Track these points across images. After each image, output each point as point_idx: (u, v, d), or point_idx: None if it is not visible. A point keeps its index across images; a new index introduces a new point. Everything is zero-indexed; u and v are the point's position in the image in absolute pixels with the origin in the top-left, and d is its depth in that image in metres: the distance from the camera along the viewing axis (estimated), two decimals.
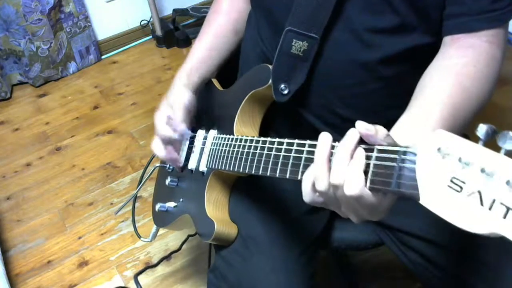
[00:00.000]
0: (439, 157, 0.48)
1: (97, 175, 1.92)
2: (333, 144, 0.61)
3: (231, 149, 0.86)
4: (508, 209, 0.42)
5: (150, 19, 2.59)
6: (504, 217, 0.42)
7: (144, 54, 2.57)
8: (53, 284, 1.57)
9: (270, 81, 0.84)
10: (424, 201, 0.49)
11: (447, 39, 0.77)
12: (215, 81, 1.03)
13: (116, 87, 2.37)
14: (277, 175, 0.72)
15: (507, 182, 0.42)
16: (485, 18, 0.73)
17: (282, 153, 0.72)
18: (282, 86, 0.84)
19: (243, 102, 0.89)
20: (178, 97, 0.98)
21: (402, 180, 0.52)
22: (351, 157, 0.58)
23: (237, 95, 0.91)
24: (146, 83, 2.37)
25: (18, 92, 2.41)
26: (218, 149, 0.90)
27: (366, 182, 0.56)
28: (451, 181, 0.46)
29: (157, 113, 0.99)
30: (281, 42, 0.82)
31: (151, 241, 1.19)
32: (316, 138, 0.65)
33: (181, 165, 1.01)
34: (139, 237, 1.20)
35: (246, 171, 0.80)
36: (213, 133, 0.96)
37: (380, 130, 0.57)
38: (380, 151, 0.56)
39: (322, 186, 0.60)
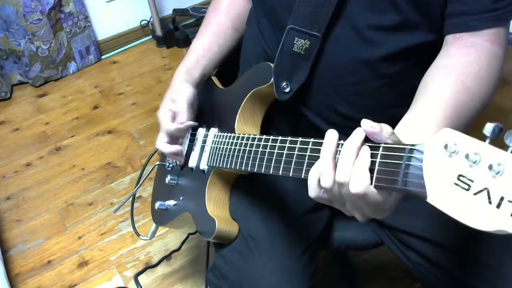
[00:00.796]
0: (446, 155, 0.48)
1: (97, 175, 1.92)
2: (339, 142, 0.61)
3: (232, 147, 0.86)
4: None
5: (150, 19, 2.59)
6: None
7: (144, 54, 2.57)
8: (53, 284, 1.57)
9: (272, 79, 0.84)
10: (431, 199, 0.49)
11: (449, 38, 0.77)
12: (215, 79, 1.03)
13: (116, 87, 2.37)
14: (280, 173, 0.72)
15: None
16: (487, 17, 0.73)
17: (285, 151, 0.72)
18: (284, 84, 0.84)
19: (244, 100, 0.89)
20: (181, 92, 0.97)
21: (409, 178, 0.52)
22: (357, 155, 0.58)
23: (239, 93, 0.91)
24: (146, 83, 2.37)
25: (18, 92, 2.41)
26: (219, 147, 0.90)
27: (372, 180, 0.56)
28: (458, 179, 0.46)
29: (160, 109, 0.99)
30: (283, 41, 0.82)
31: (150, 239, 1.19)
32: (317, 136, 0.65)
33: (183, 161, 1.01)
34: (138, 235, 1.20)
35: (248, 169, 0.80)
36: (214, 131, 0.96)
37: (385, 128, 0.57)
38: (386, 149, 0.56)
39: (327, 182, 0.60)
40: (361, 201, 0.57)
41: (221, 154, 0.89)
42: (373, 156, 0.57)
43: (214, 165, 0.91)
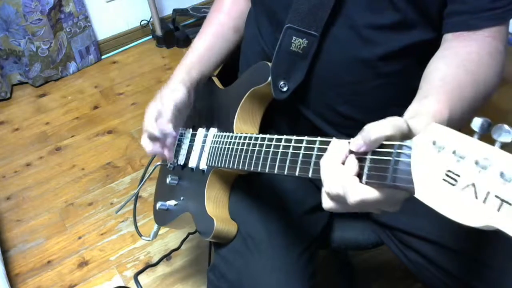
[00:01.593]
0: (434, 151, 0.48)
1: (97, 175, 1.92)
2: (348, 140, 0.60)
3: (232, 146, 0.86)
4: (502, 201, 0.42)
5: (150, 19, 2.59)
6: (498, 209, 0.42)
7: (144, 54, 2.57)
8: (53, 284, 1.57)
9: (270, 78, 0.84)
10: (419, 194, 0.49)
11: (448, 36, 0.77)
12: (215, 80, 1.04)
13: (116, 87, 2.37)
14: (275, 171, 0.72)
15: (501, 175, 0.42)
16: (487, 16, 0.73)
17: (281, 150, 0.71)
18: (282, 83, 0.84)
19: (243, 100, 0.89)
20: (170, 95, 0.94)
21: (398, 174, 0.52)
22: (342, 163, 0.58)
23: (237, 93, 0.91)
24: (146, 83, 2.37)
25: (18, 92, 2.41)
26: (219, 147, 0.90)
27: (362, 177, 0.56)
28: (446, 174, 0.46)
29: (149, 106, 0.96)
30: (281, 40, 0.82)
31: (152, 239, 1.19)
32: (315, 135, 0.65)
33: (172, 161, 1.00)
34: (140, 235, 1.20)
35: (246, 168, 0.80)
36: (213, 131, 0.96)
37: (367, 132, 0.55)
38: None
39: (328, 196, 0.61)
40: (365, 205, 0.57)
41: (220, 153, 0.89)
42: (364, 153, 0.57)
43: (213, 165, 0.91)
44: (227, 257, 0.92)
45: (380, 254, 1.49)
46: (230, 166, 0.85)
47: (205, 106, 1.03)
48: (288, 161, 0.70)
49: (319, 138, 0.66)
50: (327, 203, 0.61)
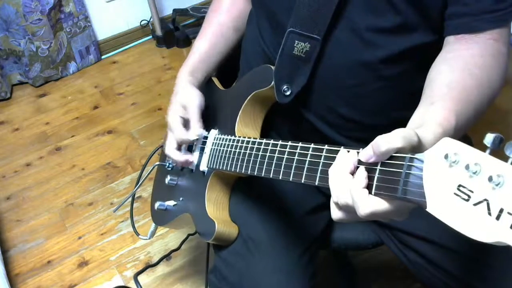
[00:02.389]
0: (446, 165, 0.48)
1: (97, 175, 1.92)
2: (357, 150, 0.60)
3: (233, 149, 0.86)
4: None
5: (150, 19, 2.59)
6: None
7: (144, 54, 2.57)
8: (53, 284, 1.57)
9: (273, 82, 0.84)
10: (431, 208, 0.49)
11: (450, 38, 0.76)
12: (215, 80, 1.03)
13: (116, 87, 2.37)
14: (280, 177, 0.72)
15: None
16: (488, 18, 0.73)
17: (286, 156, 0.72)
18: (285, 87, 0.84)
19: (245, 103, 0.89)
20: (191, 97, 0.95)
21: (409, 187, 0.52)
22: (351, 174, 0.58)
23: (239, 95, 0.91)
24: (146, 83, 2.37)
25: (18, 92, 2.41)
26: (220, 149, 0.90)
27: (372, 187, 0.56)
28: (458, 189, 0.46)
29: (170, 114, 0.96)
30: (283, 44, 0.82)
31: (149, 239, 1.19)
32: (318, 139, 0.66)
33: (194, 167, 1.00)
34: (137, 234, 1.20)
35: (249, 173, 0.80)
36: (214, 132, 0.96)
37: (377, 143, 0.55)
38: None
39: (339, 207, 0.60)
40: (377, 216, 0.57)
41: (221, 156, 0.89)
42: (373, 164, 0.57)
43: (214, 167, 0.91)
44: (227, 259, 0.92)
45: (380, 254, 1.49)
46: (233, 170, 0.85)
47: (205, 107, 1.02)
48: (293, 167, 0.70)
49: (326, 146, 0.66)
50: (336, 214, 0.61)
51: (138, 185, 1.14)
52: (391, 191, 0.54)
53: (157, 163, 1.13)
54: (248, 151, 0.81)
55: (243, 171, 0.82)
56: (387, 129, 0.57)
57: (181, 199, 1.03)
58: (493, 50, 0.74)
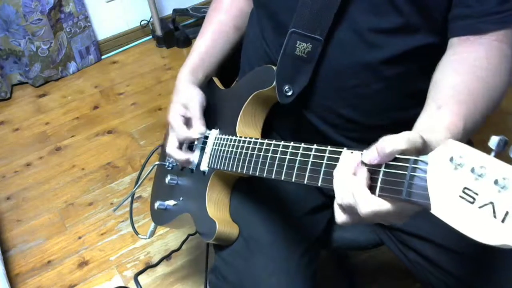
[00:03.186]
0: (451, 167, 0.48)
1: (97, 175, 1.92)
2: (360, 152, 0.60)
3: (234, 149, 0.86)
4: None
5: (150, 19, 2.59)
6: None
7: (144, 54, 2.57)
8: (53, 284, 1.57)
9: (275, 82, 0.84)
10: (436, 210, 0.49)
11: (454, 40, 0.76)
12: (216, 80, 1.03)
13: (116, 87, 2.37)
14: (282, 178, 0.72)
15: None
16: (492, 19, 0.72)
17: (288, 156, 0.72)
18: (286, 87, 0.84)
19: (246, 103, 0.89)
20: (192, 96, 0.96)
21: (413, 189, 0.52)
22: (354, 174, 0.58)
23: (240, 95, 0.90)
24: (146, 83, 2.37)
25: (18, 92, 2.41)
26: (221, 149, 0.90)
27: (375, 189, 0.56)
28: (464, 191, 0.46)
29: (171, 113, 0.96)
30: (285, 44, 0.82)
31: (149, 238, 1.19)
32: (319, 139, 0.66)
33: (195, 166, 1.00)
34: (137, 234, 1.20)
35: (250, 173, 0.80)
36: (214, 132, 0.95)
37: (381, 144, 0.55)
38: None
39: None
40: (376, 216, 0.57)
41: (222, 156, 0.89)
42: (377, 166, 0.57)
43: (214, 167, 0.91)
44: (228, 258, 0.92)
45: (380, 254, 1.49)
46: (234, 170, 0.84)
47: (206, 107, 1.02)
48: (296, 168, 0.70)
49: (329, 147, 0.65)
50: (340, 217, 0.61)
51: (138, 185, 1.13)
52: (396, 193, 0.54)
53: (157, 162, 1.13)
54: (249, 151, 0.81)
55: (244, 171, 0.82)
56: (388, 129, 0.58)
57: (181, 198, 1.03)
58: (498, 52, 0.73)
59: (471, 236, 0.46)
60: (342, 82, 0.82)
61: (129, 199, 1.18)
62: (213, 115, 1.00)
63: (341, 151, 0.62)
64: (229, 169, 0.86)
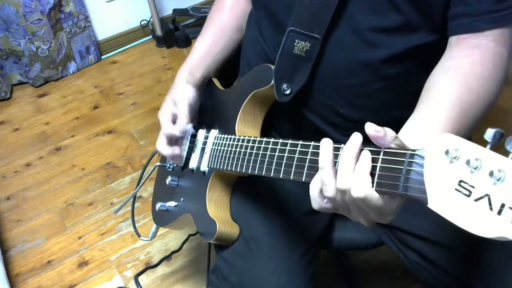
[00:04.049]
0: (447, 161, 0.48)
1: (97, 175, 1.92)
2: (338, 146, 0.61)
3: (233, 149, 0.86)
4: None
5: (150, 19, 2.59)
6: None
7: (144, 54, 2.57)
8: (53, 284, 1.57)
9: (273, 81, 0.84)
10: (432, 204, 0.49)
11: (452, 40, 0.77)
12: (215, 80, 1.03)
13: (116, 87, 2.37)
14: (281, 176, 0.72)
15: None
16: (490, 18, 0.73)
17: (286, 154, 0.72)
18: (284, 86, 0.84)
19: (245, 102, 0.89)
20: (182, 93, 0.97)
21: (410, 183, 0.52)
22: (357, 160, 0.58)
23: (239, 94, 0.91)
24: (146, 83, 2.37)
25: (18, 92, 2.41)
26: (220, 149, 0.90)
27: (373, 184, 0.56)
28: (459, 184, 0.46)
29: (161, 110, 0.99)
30: (283, 43, 0.82)
31: (150, 240, 1.19)
32: (318, 138, 0.65)
33: (182, 163, 1.01)
34: (139, 236, 1.20)
35: (249, 172, 0.80)
36: (214, 132, 0.96)
37: (389, 132, 0.56)
38: (386, 153, 0.56)
39: (329, 192, 0.60)
40: (364, 205, 0.57)
41: (222, 156, 0.89)
42: (374, 160, 0.57)
43: (214, 167, 0.91)
44: (228, 259, 0.92)
45: (380, 254, 1.49)
46: (233, 169, 0.85)
47: (205, 107, 1.03)
48: (294, 166, 0.70)
49: (313, 143, 0.66)
50: (317, 202, 0.63)
51: (139, 187, 1.13)
52: (392, 187, 0.54)
53: (158, 163, 1.13)
54: (248, 151, 0.81)
55: (243, 171, 0.82)
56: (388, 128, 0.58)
57: (182, 199, 1.03)
58: (493, 55, 0.74)
59: (467, 229, 0.46)
60: (341, 80, 0.83)
61: (131, 200, 1.18)
62: (212, 115, 1.00)
63: (339, 148, 0.62)
64: (229, 169, 0.86)
